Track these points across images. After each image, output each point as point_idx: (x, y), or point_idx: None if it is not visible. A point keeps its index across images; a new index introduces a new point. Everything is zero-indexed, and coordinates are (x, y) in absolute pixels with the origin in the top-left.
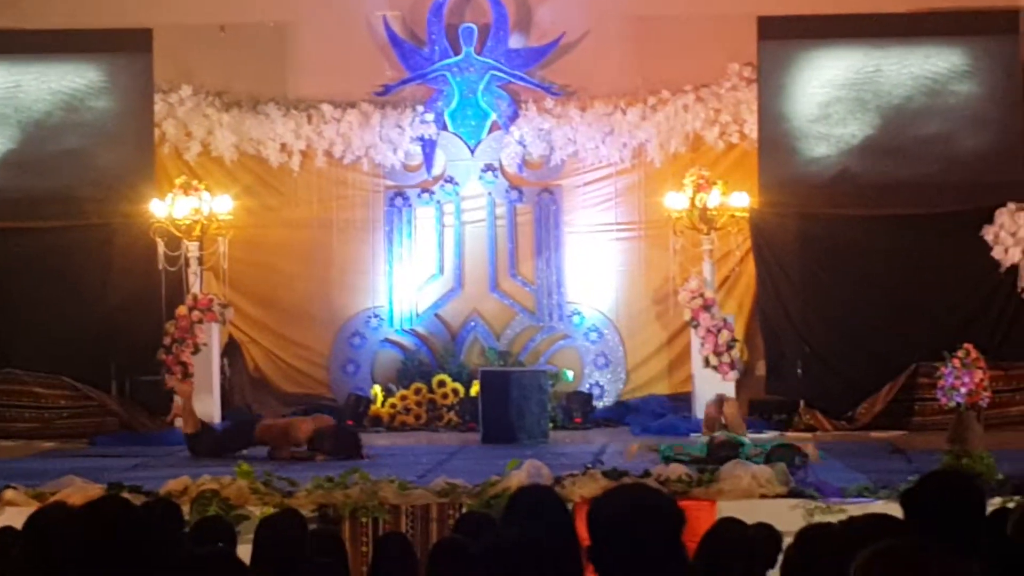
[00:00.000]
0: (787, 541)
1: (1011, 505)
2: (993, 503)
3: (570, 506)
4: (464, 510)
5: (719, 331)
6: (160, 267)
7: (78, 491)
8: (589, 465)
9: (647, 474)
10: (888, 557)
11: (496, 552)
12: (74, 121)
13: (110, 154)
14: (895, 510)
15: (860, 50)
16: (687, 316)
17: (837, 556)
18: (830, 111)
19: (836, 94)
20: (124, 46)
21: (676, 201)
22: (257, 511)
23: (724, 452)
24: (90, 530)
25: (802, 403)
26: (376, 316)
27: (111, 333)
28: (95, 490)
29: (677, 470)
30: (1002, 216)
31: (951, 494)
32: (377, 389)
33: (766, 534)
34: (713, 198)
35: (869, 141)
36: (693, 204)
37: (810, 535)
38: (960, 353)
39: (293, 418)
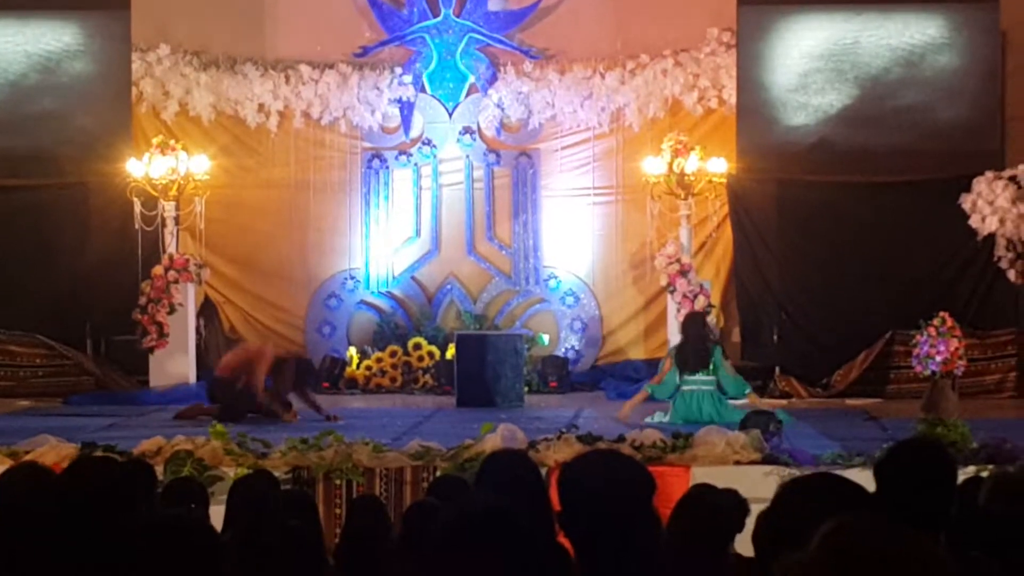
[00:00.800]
0: (760, 507)
1: (984, 474)
2: (967, 472)
3: (544, 471)
4: (438, 473)
5: (695, 296)
6: (136, 227)
7: (52, 450)
8: (564, 429)
9: (621, 439)
10: (854, 530)
11: (467, 516)
12: (50, 80)
13: (87, 113)
14: (868, 478)
15: (840, 16)
16: (664, 281)
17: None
18: (808, 81)
19: (814, 64)
20: (102, 4)
21: (654, 166)
22: (231, 472)
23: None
24: (65, 490)
25: (777, 370)
26: (352, 278)
27: (87, 292)
28: (69, 449)
29: (652, 435)
30: (979, 184)
31: (922, 463)
32: (352, 351)
33: (735, 500)
34: (691, 163)
35: (847, 111)
36: (671, 169)
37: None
38: (936, 321)
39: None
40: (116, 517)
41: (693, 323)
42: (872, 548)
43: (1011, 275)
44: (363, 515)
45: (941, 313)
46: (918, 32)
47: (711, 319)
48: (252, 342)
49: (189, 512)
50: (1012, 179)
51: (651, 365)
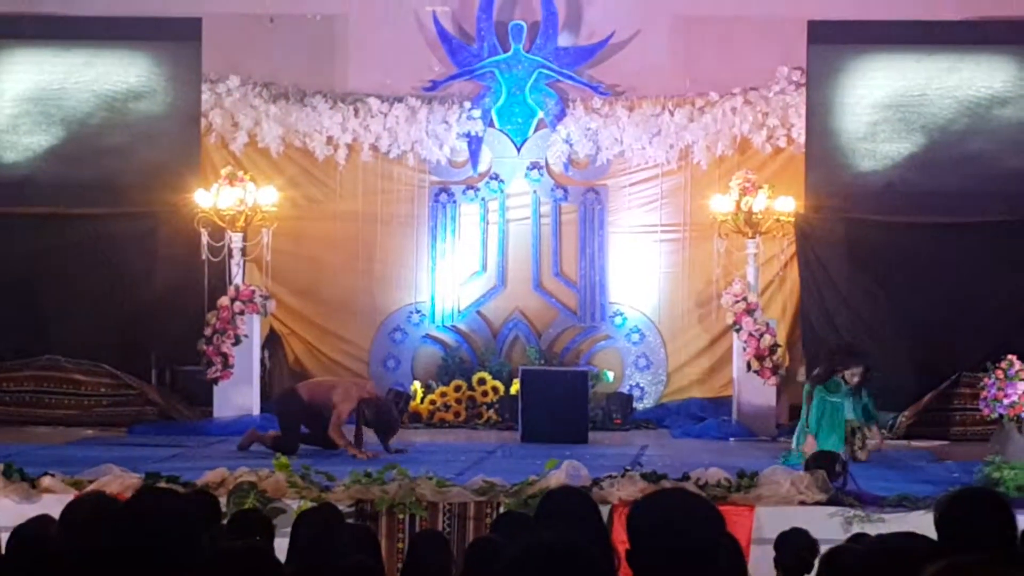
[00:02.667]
0: (824, 549)
1: None
2: None
3: (608, 508)
4: (502, 509)
5: (761, 335)
6: (203, 257)
7: (115, 480)
8: (628, 467)
9: (686, 477)
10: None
11: (533, 552)
12: (120, 110)
13: (156, 143)
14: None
15: (911, 56)
16: (730, 320)
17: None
18: (877, 129)
19: (882, 114)
20: (173, 35)
21: (721, 204)
22: (294, 504)
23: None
24: (131, 520)
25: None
26: (418, 312)
27: (153, 322)
28: (132, 479)
29: (716, 474)
30: None
31: (979, 511)
32: (417, 385)
33: (806, 540)
34: (759, 202)
35: (915, 158)
36: (739, 207)
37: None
38: (1004, 364)
39: (335, 380)
40: (179, 548)
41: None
42: None
43: None
44: (425, 549)
45: (1009, 356)
46: (985, 81)
47: (777, 358)
48: (346, 380)
49: (255, 544)
50: None
51: (715, 404)
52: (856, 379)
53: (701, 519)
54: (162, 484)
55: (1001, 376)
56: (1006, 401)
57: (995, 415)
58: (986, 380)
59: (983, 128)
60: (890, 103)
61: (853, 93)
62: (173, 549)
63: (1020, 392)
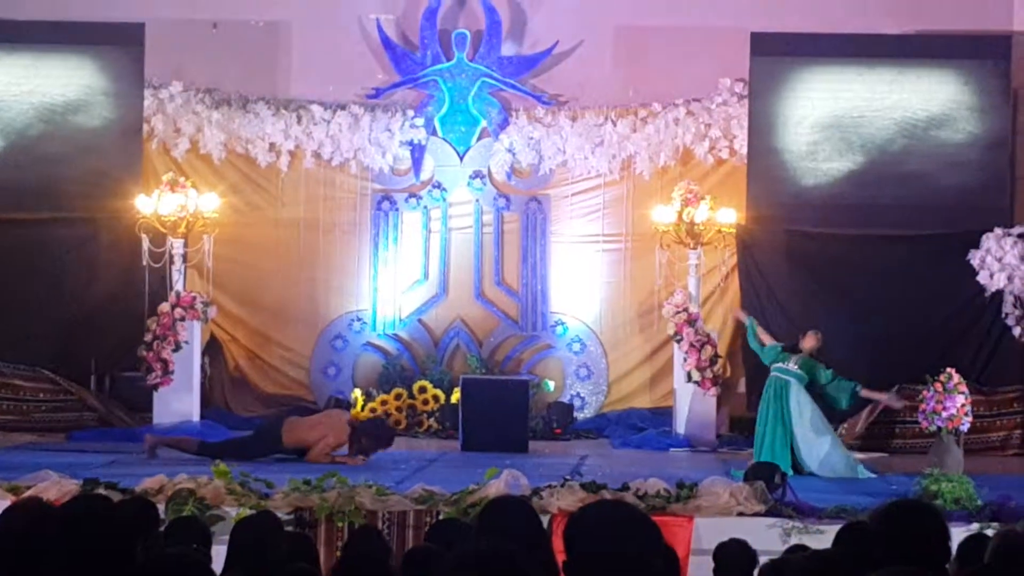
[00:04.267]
0: (763, 559)
1: (989, 532)
2: (971, 529)
3: (547, 518)
4: (441, 517)
5: (702, 346)
6: (144, 263)
7: (53, 486)
8: (568, 476)
9: (626, 487)
10: None
11: (469, 560)
12: (62, 115)
13: (98, 148)
14: None
15: (853, 70)
16: (671, 330)
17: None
18: (817, 149)
19: (823, 134)
20: (115, 40)
21: (663, 214)
22: (233, 512)
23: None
24: (67, 527)
25: None
26: (359, 320)
27: (93, 328)
28: (71, 486)
29: (656, 485)
30: (988, 241)
31: (912, 523)
32: (358, 393)
33: (743, 550)
34: (701, 213)
35: (855, 175)
36: (680, 218)
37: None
38: (942, 377)
39: (318, 418)
40: (112, 555)
41: None
42: None
43: (1017, 332)
44: (362, 544)
45: (948, 369)
46: (925, 96)
47: (717, 369)
48: (327, 417)
49: (190, 552)
50: (1021, 236)
51: (656, 414)
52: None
53: (636, 530)
54: (100, 490)
55: (940, 389)
56: (944, 414)
57: (933, 428)
58: (925, 393)
59: (921, 147)
60: (832, 114)
61: (795, 105)
62: (106, 556)
63: (958, 405)
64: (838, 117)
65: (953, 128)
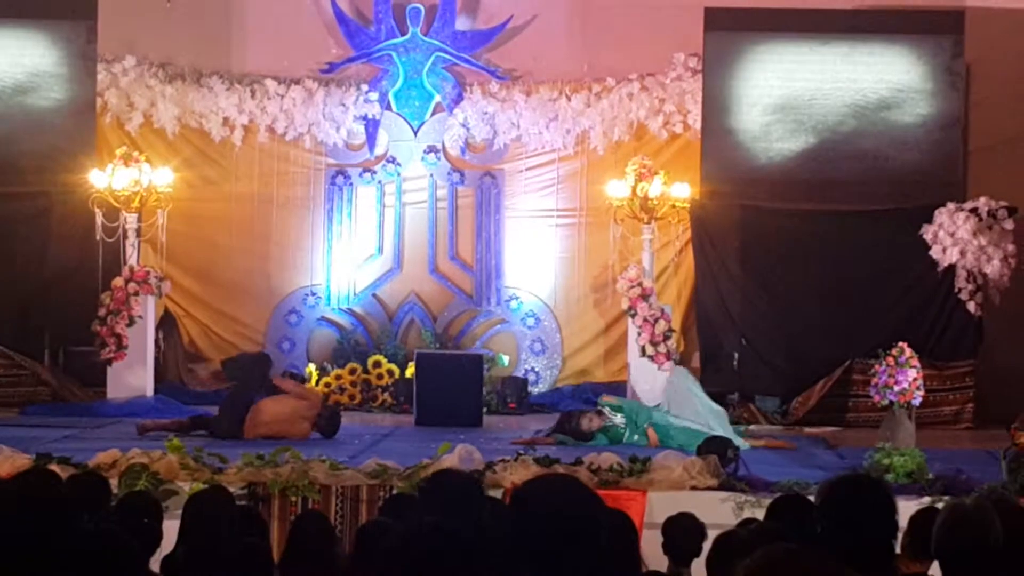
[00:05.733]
0: (714, 533)
1: (939, 505)
2: (922, 502)
3: (501, 492)
4: (394, 492)
5: (656, 321)
6: (98, 238)
7: (6, 461)
8: (521, 451)
9: (579, 462)
10: (769, 566)
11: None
12: (14, 89)
13: (50, 123)
14: None
15: (806, 45)
16: (625, 305)
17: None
18: (771, 121)
19: (776, 116)
20: (67, 14)
21: (617, 189)
22: (187, 486)
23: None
24: (12, 501)
25: (736, 396)
26: (313, 294)
27: (46, 302)
28: (23, 460)
29: (609, 459)
30: (941, 216)
31: (858, 497)
32: (312, 368)
33: (693, 524)
34: (655, 187)
35: (809, 153)
36: (634, 193)
37: (724, 542)
38: (894, 351)
39: (287, 397)
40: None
41: None
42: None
43: (971, 307)
44: (307, 531)
45: (900, 343)
46: (880, 73)
47: (671, 343)
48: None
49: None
50: (973, 211)
51: (610, 388)
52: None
53: (579, 502)
54: (53, 465)
55: (892, 363)
56: (896, 388)
57: (886, 402)
58: (877, 367)
59: (874, 126)
60: (785, 94)
61: (749, 83)
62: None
63: (910, 379)
64: (792, 97)
65: (907, 105)
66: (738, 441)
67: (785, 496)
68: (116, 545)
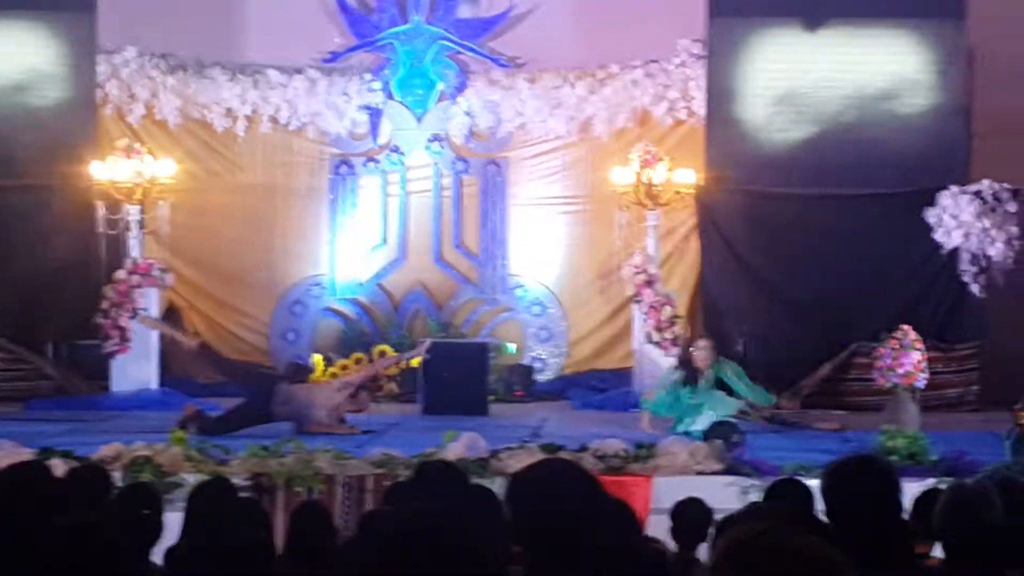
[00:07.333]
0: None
1: (943, 487)
2: (926, 484)
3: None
4: (399, 480)
5: (662, 307)
6: (100, 230)
7: (7, 456)
8: (526, 439)
9: (584, 448)
10: (749, 542)
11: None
12: (13, 80)
13: (51, 115)
14: None
15: (808, 30)
16: (630, 291)
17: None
18: (775, 115)
19: (779, 107)
20: (68, 5)
21: (622, 176)
22: (191, 478)
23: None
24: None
25: None
26: (318, 285)
27: (49, 296)
28: (25, 455)
29: (614, 445)
30: (944, 199)
31: (864, 478)
32: (317, 358)
33: (700, 509)
34: (659, 174)
35: (813, 139)
36: (639, 180)
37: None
38: (898, 334)
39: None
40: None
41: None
42: (764, 554)
43: (974, 289)
44: (305, 524)
45: (903, 326)
46: (883, 57)
47: (677, 329)
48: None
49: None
50: (977, 194)
51: (616, 375)
52: (703, 354)
53: (576, 487)
54: (55, 459)
55: (896, 346)
56: (900, 371)
57: (889, 384)
58: (881, 350)
59: (878, 112)
60: (789, 80)
61: (753, 66)
62: (29, 524)
63: (914, 362)
64: (795, 86)
65: (910, 91)
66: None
67: (782, 480)
68: (102, 538)
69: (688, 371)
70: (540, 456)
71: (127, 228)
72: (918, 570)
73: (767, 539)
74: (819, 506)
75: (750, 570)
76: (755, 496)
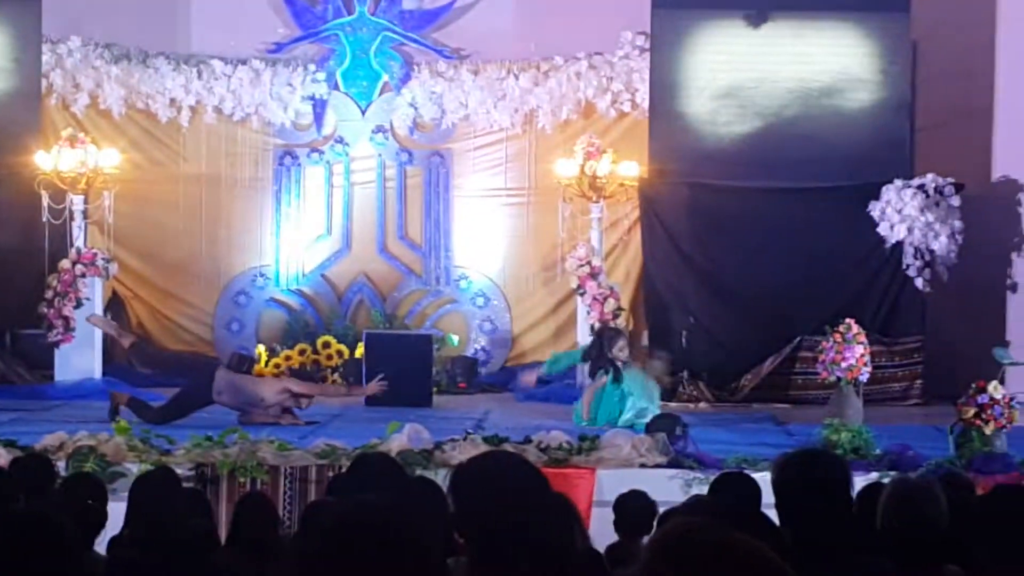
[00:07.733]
0: (663, 510)
1: (886, 481)
2: (869, 478)
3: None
4: (342, 471)
5: (605, 299)
6: (44, 220)
7: None
8: (470, 431)
9: (528, 440)
10: (680, 538)
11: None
12: None
13: None
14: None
15: (755, 25)
16: (574, 283)
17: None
18: (718, 111)
19: (723, 102)
20: None
21: (566, 168)
22: (135, 468)
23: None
24: None
25: (686, 373)
26: (262, 275)
27: None
28: None
29: (558, 437)
30: (888, 192)
31: (815, 471)
32: (261, 349)
33: (644, 501)
34: (603, 166)
35: (757, 132)
36: (583, 172)
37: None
38: (842, 327)
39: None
40: None
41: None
42: (694, 549)
43: (918, 283)
44: (249, 514)
45: (847, 319)
46: (827, 51)
47: (620, 322)
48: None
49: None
50: (920, 187)
51: None
52: (623, 352)
53: (519, 479)
54: None
55: (839, 339)
56: (844, 364)
57: (833, 378)
58: (825, 344)
59: (821, 107)
60: (732, 73)
61: (697, 59)
62: None
63: (857, 355)
64: (739, 79)
65: (854, 85)
66: None
67: (727, 473)
68: (46, 527)
69: (611, 364)
70: (484, 448)
71: (71, 218)
72: (862, 566)
73: (698, 535)
74: (765, 499)
75: (680, 566)
76: (698, 489)
